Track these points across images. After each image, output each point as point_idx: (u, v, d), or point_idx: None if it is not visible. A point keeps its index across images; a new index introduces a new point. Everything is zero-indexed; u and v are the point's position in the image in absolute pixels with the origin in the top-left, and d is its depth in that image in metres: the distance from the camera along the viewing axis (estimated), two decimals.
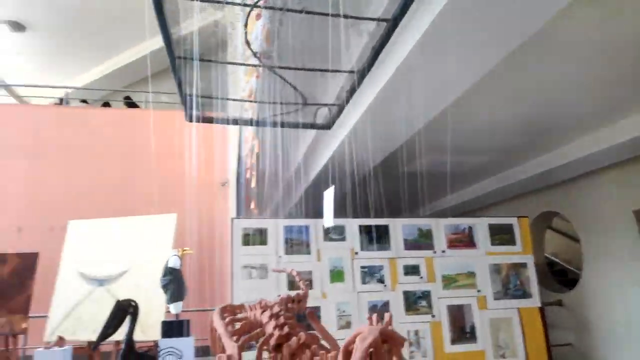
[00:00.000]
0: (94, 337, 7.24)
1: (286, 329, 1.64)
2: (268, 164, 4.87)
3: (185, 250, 6.21)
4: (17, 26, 11.27)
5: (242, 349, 1.65)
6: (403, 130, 4.33)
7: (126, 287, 7.19)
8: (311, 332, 1.80)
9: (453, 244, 4.75)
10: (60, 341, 6.25)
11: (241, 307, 2.01)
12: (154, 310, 6.67)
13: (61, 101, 11.25)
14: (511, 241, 4.89)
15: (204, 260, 8.04)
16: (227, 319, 1.84)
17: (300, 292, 2.68)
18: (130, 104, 11.73)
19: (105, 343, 6.07)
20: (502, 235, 4.88)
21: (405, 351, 4.21)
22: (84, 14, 10.64)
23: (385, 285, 4.41)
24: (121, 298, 3.85)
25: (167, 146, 9.93)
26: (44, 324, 7.65)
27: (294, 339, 1.58)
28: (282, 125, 3.62)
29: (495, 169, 6.26)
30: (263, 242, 4.33)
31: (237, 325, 1.86)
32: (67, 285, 7.76)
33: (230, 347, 1.58)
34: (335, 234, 4.47)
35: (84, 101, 11.62)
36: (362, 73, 2.79)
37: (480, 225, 4.88)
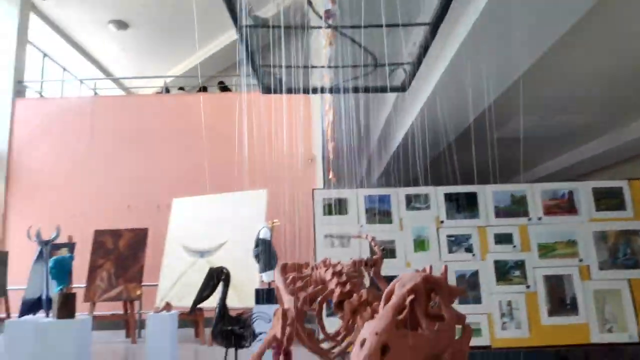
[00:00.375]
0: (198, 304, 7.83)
1: (348, 287, 1.61)
2: (348, 135, 4.82)
3: (274, 222, 6.43)
4: (121, 24, 12.20)
5: (304, 304, 1.65)
6: (491, 88, 4.04)
7: (224, 258, 7.66)
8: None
9: (551, 210, 4.38)
10: (168, 306, 6.84)
11: (306, 266, 2.02)
12: (249, 279, 7.01)
13: (163, 90, 12.05)
14: (620, 206, 4.38)
15: (294, 231, 8.28)
16: (290, 277, 1.86)
17: (374, 256, 2.63)
18: (224, 88, 12.23)
19: (209, 309, 6.50)
20: (608, 200, 4.40)
21: (497, 322, 4.00)
22: (178, 8, 11.22)
23: (473, 255, 4.19)
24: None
25: (259, 125, 10.27)
26: (155, 292, 8.43)
27: (355, 296, 1.55)
28: (357, 90, 3.54)
29: (601, 129, 5.64)
30: (344, 212, 4.32)
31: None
32: (173, 257, 8.44)
33: (287, 301, 1.59)
34: (418, 202, 4.33)
35: (181, 88, 12.35)
36: (436, 25, 2.61)
37: (583, 190, 4.44)
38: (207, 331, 7.82)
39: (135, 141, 10.54)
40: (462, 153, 4.57)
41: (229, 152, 10.20)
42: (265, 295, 5.99)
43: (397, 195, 4.35)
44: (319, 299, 1.65)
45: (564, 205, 4.39)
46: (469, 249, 4.21)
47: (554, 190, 4.45)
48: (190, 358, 6.98)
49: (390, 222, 4.30)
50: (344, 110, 4.77)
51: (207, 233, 8.25)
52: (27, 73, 11.01)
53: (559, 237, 4.26)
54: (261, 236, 6.21)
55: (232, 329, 3.95)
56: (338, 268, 1.74)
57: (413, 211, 4.32)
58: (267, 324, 4.25)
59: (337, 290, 1.59)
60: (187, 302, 7.98)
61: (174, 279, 8.14)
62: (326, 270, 1.77)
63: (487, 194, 4.34)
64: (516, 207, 4.32)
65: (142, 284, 8.33)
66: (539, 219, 4.31)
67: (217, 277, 4.04)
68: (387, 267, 4.10)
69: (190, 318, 8.27)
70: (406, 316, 1.03)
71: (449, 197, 4.33)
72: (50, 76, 12.72)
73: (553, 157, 6.54)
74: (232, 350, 3.90)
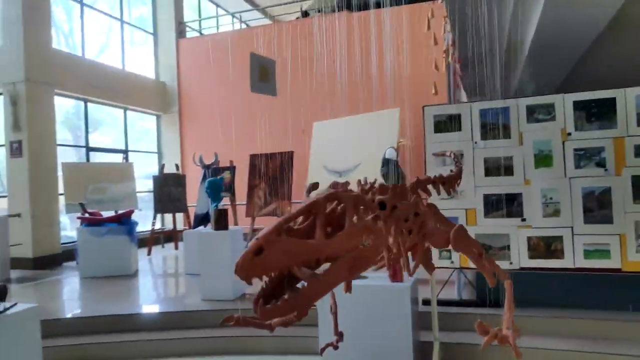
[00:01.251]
0: None
1: None
2: (471, 42, 4.48)
3: (400, 142, 6.46)
4: None
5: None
6: None
7: (360, 177, 8.01)
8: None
9: None
10: None
11: (346, 185, 2.11)
12: None
13: (301, 14, 12.29)
14: None
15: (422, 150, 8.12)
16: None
17: (445, 174, 2.57)
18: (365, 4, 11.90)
19: None
20: None
21: (631, 244, 3.61)
22: None
23: (606, 170, 3.71)
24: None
25: (391, 42, 9.98)
26: None
27: None
28: None
29: None
30: (457, 128, 4.14)
31: None
32: (316, 177, 9.10)
33: None
34: (542, 113, 3.92)
35: (319, 11, 12.43)
36: None
37: None
38: None
39: (281, 68, 11.14)
40: (600, 55, 3.93)
41: (366, 71, 10.20)
42: None
43: (517, 106, 4.00)
44: None
45: None
46: (600, 164, 3.74)
47: None
48: None
49: (508, 137, 4.01)
50: (459, 14, 4.41)
51: (344, 154, 8.64)
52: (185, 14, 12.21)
53: None
54: (387, 156, 6.33)
55: None
56: (368, 186, 1.80)
57: (535, 124, 3.94)
58: None
59: None
60: None
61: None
62: (359, 189, 1.86)
63: (629, 99, 3.71)
64: None
65: (292, 200, 9.24)
66: None
67: None
68: (503, 185, 3.93)
69: None
70: (304, 226, 1.13)
71: (579, 106, 3.83)
72: (206, 14, 13.89)
73: None
74: None
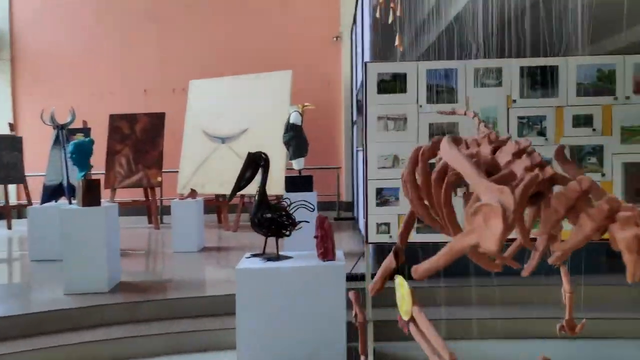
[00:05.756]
0: (221, 191, 7.57)
1: (550, 171, 1.12)
2: None
3: (305, 105, 5.88)
4: None
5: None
6: None
7: (248, 144, 7.18)
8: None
9: None
10: (193, 193, 6.56)
11: (459, 141, 1.52)
12: (275, 166, 6.66)
13: None
14: None
15: (318, 116, 7.74)
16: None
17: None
18: None
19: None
20: None
21: None
22: None
23: (546, 139, 3.67)
24: (243, 155, 3.63)
25: (280, 3, 9.28)
26: (175, 178, 8.17)
27: (572, 184, 1.04)
28: None
29: None
30: (402, 89, 3.72)
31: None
32: (193, 143, 8.02)
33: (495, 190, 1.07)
34: (489, 78, 3.71)
35: None
36: None
37: None
38: (231, 217, 7.69)
39: (150, 17, 9.56)
40: (549, 14, 3.86)
41: (251, 30, 9.31)
42: (299, 183, 5.66)
43: (466, 69, 3.72)
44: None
45: None
46: (541, 132, 3.68)
47: None
48: (214, 243, 6.88)
49: (455, 101, 3.72)
50: None
51: (228, 117, 7.73)
52: None
53: None
54: (292, 121, 5.71)
55: (272, 216, 3.59)
56: (524, 144, 1.24)
57: (482, 88, 3.72)
58: (311, 212, 3.91)
59: (527, 178, 1.10)
60: (211, 189, 7.73)
61: (195, 166, 7.80)
62: (496, 147, 1.29)
63: (571, 68, 3.69)
64: (602, 84, 3.70)
65: (163, 170, 8.02)
66: (627, 98, 3.70)
67: (256, 163, 3.61)
68: None
69: (215, 204, 8.08)
70: None
71: (524, 72, 3.70)
72: None
73: None
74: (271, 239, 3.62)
